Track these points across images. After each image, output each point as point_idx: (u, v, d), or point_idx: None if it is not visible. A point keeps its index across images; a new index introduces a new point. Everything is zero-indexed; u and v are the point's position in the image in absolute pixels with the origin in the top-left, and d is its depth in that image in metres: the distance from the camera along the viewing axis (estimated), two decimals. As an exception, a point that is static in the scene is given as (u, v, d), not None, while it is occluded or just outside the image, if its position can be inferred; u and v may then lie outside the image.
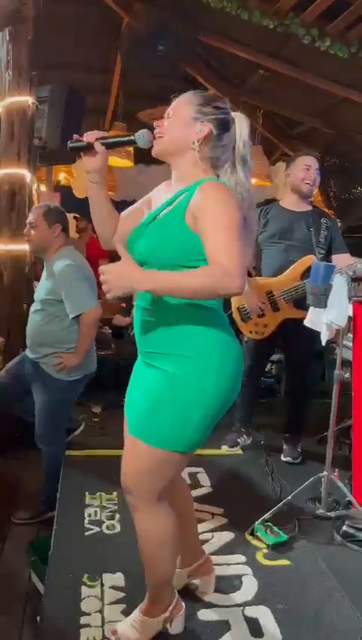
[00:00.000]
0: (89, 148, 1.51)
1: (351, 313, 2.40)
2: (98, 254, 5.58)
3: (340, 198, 4.85)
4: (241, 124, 1.54)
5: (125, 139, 1.56)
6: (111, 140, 1.53)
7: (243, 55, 3.91)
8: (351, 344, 2.53)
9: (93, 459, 2.98)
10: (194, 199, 1.39)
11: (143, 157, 5.87)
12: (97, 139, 1.50)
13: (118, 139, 1.57)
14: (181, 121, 1.47)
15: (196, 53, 4.02)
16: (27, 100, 3.38)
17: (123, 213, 1.65)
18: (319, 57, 3.45)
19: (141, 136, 1.48)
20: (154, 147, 1.49)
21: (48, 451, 2.73)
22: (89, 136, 1.50)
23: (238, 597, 1.85)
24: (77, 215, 6.06)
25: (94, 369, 2.78)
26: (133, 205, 1.67)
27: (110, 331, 4.72)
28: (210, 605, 1.81)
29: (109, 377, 4.08)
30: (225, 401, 1.49)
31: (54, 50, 4.14)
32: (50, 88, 3.68)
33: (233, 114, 1.54)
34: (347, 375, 2.44)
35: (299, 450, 3.10)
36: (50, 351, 2.62)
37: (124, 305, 4.76)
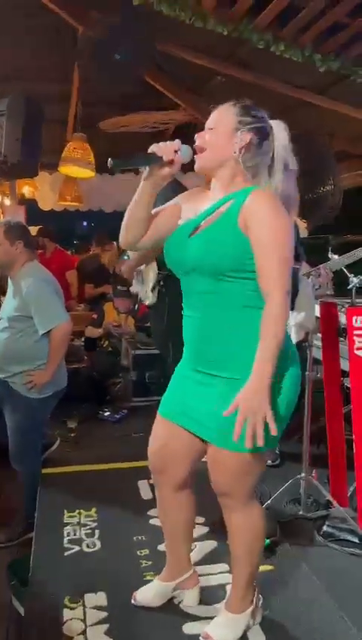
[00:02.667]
0: (168, 163, 1.50)
1: (318, 314, 2.42)
2: (64, 266, 5.54)
3: (304, 199, 4.90)
4: (279, 131, 1.55)
5: (166, 158, 1.52)
6: (154, 159, 1.50)
7: (198, 61, 3.92)
8: (320, 343, 2.55)
9: (71, 475, 2.94)
10: (246, 207, 1.43)
11: (107, 167, 5.83)
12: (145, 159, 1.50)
13: (154, 157, 1.52)
14: (223, 134, 1.50)
15: (153, 60, 4.01)
16: (-16, 114, 3.32)
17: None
18: (274, 61, 3.48)
19: (185, 152, 1.50)
20: (197, 162, 1.52)
21: (24, 471, 2.67)
22: (167, 153, 1.48)
23: (223, 607, 1.83)
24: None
25: (65, 384, 2.74)
26: (160, 210, 1.63)
27: (82, 343, 4.67)
28: (195, 618, 1.79)
29: (83, 390, 4.03)
30: (297, 393, 1.56)
31: (10, 62, 4.08)
32: (7, 101, 3.62)
33: (271, 121, 1.56)
34: (319, 375, 2.46)
35: (277, 452, 3.10)
36: (19, 369, 2.57)
37: (95, 316, 4.72)
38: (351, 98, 4.16)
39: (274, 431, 1.38)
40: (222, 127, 1.50)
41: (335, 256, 2.82)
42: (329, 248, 3.35)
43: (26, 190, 6.04)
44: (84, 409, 3.94)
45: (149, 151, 1.50)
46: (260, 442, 1.37)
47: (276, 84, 4.09)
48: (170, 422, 1.64)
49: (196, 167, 1.54)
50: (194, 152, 1.53)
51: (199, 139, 1.53)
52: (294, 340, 2.34)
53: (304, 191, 5.00)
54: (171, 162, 1.49)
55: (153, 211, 1.61)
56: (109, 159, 1.48)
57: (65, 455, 3.19)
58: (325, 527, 2.26)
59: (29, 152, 3.70)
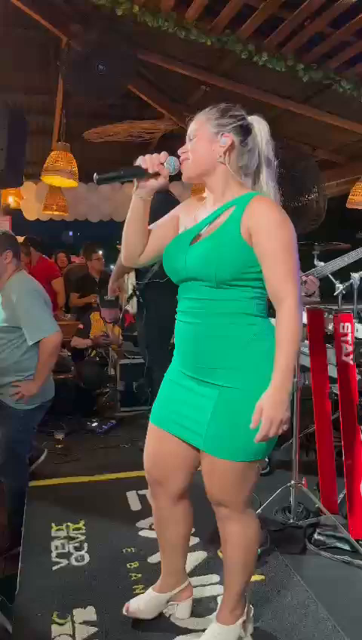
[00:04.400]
0: (154, 175, 1.50)
1: (305, 321, 2.42)
2: (49, 274, 5.51)
3: (288, 207, 4.93)
4: (260, 126, 1.54)
5: (152, 171, 1.52)
6: (141, 172, 1.50)
7: (182, 72, 3.96)
8: (307, 350, 2.56)
9: (58, 487, 2.89)
10: (248, 216, 1.41)
11: (92, 175, 5.84)
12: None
13: (140, 169, 1.52)
14: (203, 140, 1.49)
15: (137, 71, 4.04)
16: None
17: (152, 232, 1.64)
18: (258, 71, 3.53)
19: (171, 164, 1.50)
20: (184, 172, 1.52)
21: (10, 484, 2.63)
22: (152, 165, 1.48)
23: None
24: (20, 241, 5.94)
25: (52, 395, 2.71)
26: (160, 222, 1.66)
27: (69, 354, 4.63)
28: (186, 631, 1.76)
29: (70, 401, 3.99)
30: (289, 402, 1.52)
31: (-6, 74, 4.09)
32: (-10, 112, 3.60)
33: (250, 118, 1.55)
34: (306, 382, 2.46)
35: (266, 460, 3.09)
36: (7, 380, 2.54)
37: (81, 326, 4.69)
38: (333, 107, 4.21)
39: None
40: (202, 134, 1.49)
41: (321, 263, 2.84)
42: (315, 255, 3.37)
43: (12, 200, 6.02)
44: (72, 420, 3.90)
45: (135, 164, 1.49)
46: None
47: (259, 94, 4.13)
48: (163, 430, 1.62)
49: (183, 177, 1.53)
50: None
51: (182, 150, 1.52)
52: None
53: (288, 199, 5.05)
54: (158, 174, 1.49)
55: (150, 227, 1.63)
56: (95, 174, 1.47)
57: (53, 467, 3.14)
58: (316, 535, 2.25)
59: (13, 162, 3.69)
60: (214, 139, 1.48)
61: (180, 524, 1.75)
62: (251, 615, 1.74)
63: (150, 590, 1.82)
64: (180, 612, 1.80)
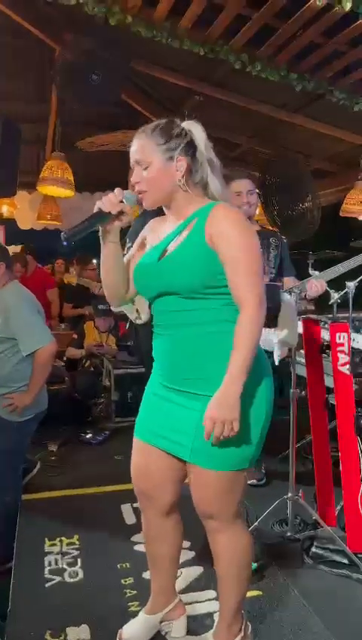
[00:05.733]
0: (118, 215, 1.49)
1: (301, 331, 2.41)
2: (45, 284, 5.49)
3: (283, 215, 4.95)
4: (197, 132, 1.52)
5: (115, 211, 1.50)
6: (104, 217, 1.48)
7: (175, 81, 3.96)
8: (304, 360, 2.54)
9: (52, 501, 2.85)
10: (211, 223, 1.43)
11: (88, 185, 5.84)
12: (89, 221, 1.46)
13: (103, 214, 1.49)
14: (158, 169, 1.47)
15: (130, 81, 4.04)
16: None
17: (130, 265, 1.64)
18: (251, 81, 3.53)
19: (130, 199, 1.48)
20: (144, 202, 1.50)
21: (3, 497, 2.58)
22: (112, 206, 1.46)
23: (211, 637, 1.77)
24: (15, 250, 5.91)
25: (46, 406, 2.67)
26: (132, 253, 1.67)
27: (63, 364, 4.59)
28: (182, 649, 1.72)
29: (64, 412, 3.95)
30: (271, 408, 1.54)
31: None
32: (-16, 122, 3.60)
33: (185, 126, 1.53)
34: (303, 393, 2.44)
35: (262, 471, 3.06)
36: (0, 392, 2.50)
37: (75, 336, 4.66)
38: (326, 117, 4.23)
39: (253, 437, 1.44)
40: (155, 162, 1.46)
41: (316, 272, 2.83)
42: (309, 264, 3.36)
43: (5, 209, 6.00)
44: (66, 431, 3.86)
45: (95, 210, 1.47)
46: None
47: (253, 103, 4.14)
48: (147, 444, 1.60)
49: (145, 206, 1.52)
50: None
51: (137, 182, 1.49)
52: (277, 357, 2.32)
53: (283, 208, 5.06)
54: (121, 213, 1.49)
55: (126, 257, 1.64)
56: (62, 234, 1.44)
57: (47, 480, 3.10)
58: (313, 549, 2.21)
59: (6, 171, 3.68)
60: (169, 165, 1.47)
61: (170, 539, 1.72)
62: (249, 632, 1.70)
63: (141, 613, 1.78)
64: (176, 631, 1.76)
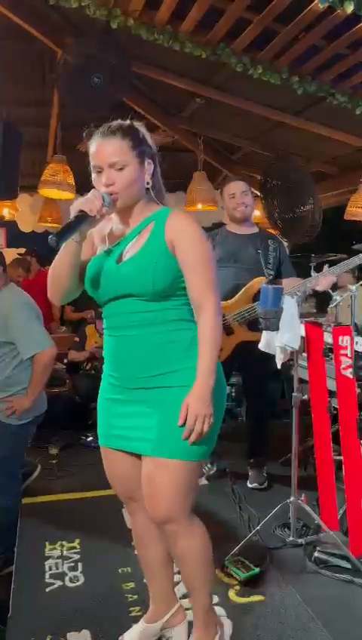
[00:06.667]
0: (100, 217, 1.45)
1: (303, 334, 2.39)
2: (46, 288, 5.46)
3: (284, 218, 4.94)
4: (148, 134, 1.56)
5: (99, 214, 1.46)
6: (88, 219, 1.44)
7: (177, 84, 3.96)
8: (306, 364, 2.52)
9: (52, 504, 2.84)
10: (170, 228, 1.48)
11: (88, 188, 5.83)
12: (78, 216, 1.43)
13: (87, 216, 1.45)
14: (132, 171, 1.47)
15: (131, 84, 4.04)
16: None
17: None
18: (252, 84, 3.53)
19: (107, 201, 1.44)
20: (117, 204, 1.48)
21: (2, 501, 2.56)
22: (95, 208, 1.41)
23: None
24: (20, 252, 5.92)
25: (45, 409, 2.66)
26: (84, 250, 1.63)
27: (64, 367, 4.58)
28: (184, 655, 1.71)
29: (65, 415, 3.94)
30: (224, 400, 1.61)
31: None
32: (-15, 125, 3.59)
33: (136, 126, 1.54)
34: (305, 397, 2.42)
35: (264, 474, 3.05)
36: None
37: (77, 339, 4.65)
38: (327, 119, 4.22)
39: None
40: (129, 165, 1.46)
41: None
42: (311, 267, 3.35)
43: (6, 212, 5.99)
44: (66, 435, 3.84)
45: (77, 212, 1.42)
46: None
47: (254, 106, 4.14)
48: (111, 449, 1.61)
49: (117, 207, 1.48)
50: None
51: (107, 181, 1.45)
52: (279, 360, 2.31)
53: (284, 211, 5.06)
54: (101, 215, 1.46)
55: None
56: (50, 238, 1.41)
57: (47, 483, 3.09)
58: (316, 554, 2.19)
59: (8, 174, 3.68)
60: (141, 168, 1.49)
61: (159, 542, 1.68)
62: (224, 630, 1.71)
63: (141, 621, 1.75)
64: (176, 637, 1.74)
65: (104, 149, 1.46)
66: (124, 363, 1.54)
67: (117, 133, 1.47)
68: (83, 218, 1.42)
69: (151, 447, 1.49)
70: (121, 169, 1.46)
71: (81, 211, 1.42)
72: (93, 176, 1.50)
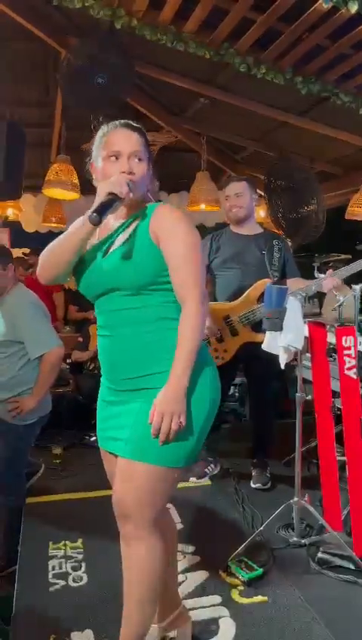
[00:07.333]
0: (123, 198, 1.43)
1: (307, 334, 2.39)
2: (51, 288, 5.48)
3: (288, 218, 4.93)
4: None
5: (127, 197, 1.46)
6: (118, 200, 1.43)
7: (180, 84, 3.96)
8: (310, 364, 2.52)
9: (56, 504, 2.84)
10: (156, 221, 1.46)
11: (93, 188, 5.83)
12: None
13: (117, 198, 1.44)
14: (146, 164, 1.52)
15: (135, 84, 4.04)
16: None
17: None
18: (256, 84, 3.52)
19: (131, 188, 1.44)
20: (132, 194, 1.45)
21: (6, 501, 2.57)
22: (125, 191, 1.41)
23: None
24: (25, 252, 5.93)
25: (50, 409, 2.66)
26: None
27: (67, 367, 4.58)
28: (187, 656, 1.71)
29: (68, 415, 3.95)
30: (214, 409, 1.52)
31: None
32: (-12, 125, 3.60)
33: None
34: (309, 397, 2.42)
35: (267, 475, 3.05)
36: (5, 395, 2.50)
37: (81, 339, 4.65)
38: (331, 119, 4.21)
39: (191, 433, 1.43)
40: (145, 158, 1.52)
41: (321, 275, 2.82)
42: (315, 267, 3.35)
43: (10, 212, 6.00)
44: (69, 434, 3.85)
45: (109, 194, 1.41)
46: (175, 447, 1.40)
47: (257, 106, 4.13)
48: (106, 451, 1.61)
49: (131, 197, 1.46)
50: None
51: (132, 173, 1.48)
52: (282, 361, 2.30)
53: (287, 211, 5.05)
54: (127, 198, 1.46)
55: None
56: (91, 215, 1.40)
57: (50, 483, 3.09)
58: (319, 554, 2.19)
59: (11, 174, 3.68)
60: (149, 164, 1.54)
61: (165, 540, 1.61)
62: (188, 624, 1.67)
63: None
64: (181, 637, 1.74)
65: (129, 137, 1.50)
66: (113, 364, 1.54)
67: (136, 129, 1.53)
68: (113, 200, 1.41)
69: (122, 448, 1.47)
70: (140, 160, 1.50)
71: (112, 193, 1.41)
72: (103, 163, 1.51)
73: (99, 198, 1.43)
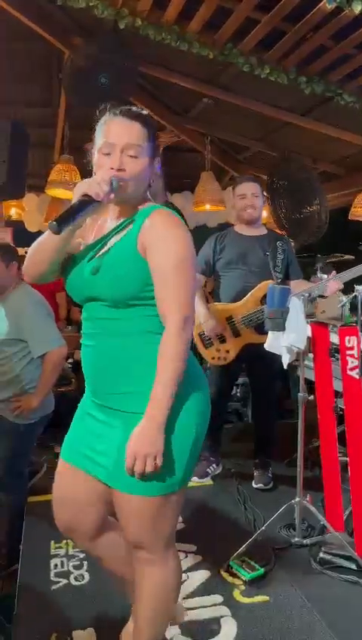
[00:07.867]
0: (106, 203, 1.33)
1: (309, 334, 2.39)
2: (55, 288, 5.49)
3: (291, 218, 4.93)
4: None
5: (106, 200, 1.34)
6: (93, 204, 1.30)
7: (184, 84, 3.96)
8: (312, 364, 2.52)
9: (58, 503, 2.84)
10: (145, 231, 1.33)
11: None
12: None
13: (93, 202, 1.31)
14: (144, 164, 1.37)
15: (138, 84, 4.04)
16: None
17: None
18: (259, 84, 3.52)
19: (113, 185, 1.31)
20: (121, 193, 1.34)
21: (9, 500, 2.58)
22: (102, 192, 1.28)
23: None
24: (27, 251, 5.92)
25: (52, 408, 2.67)
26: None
27: (70, 366, 4.59)
28: (188, 655, 1.71)
29: (71, 414, 3.94)
30: (205, 423, 1.43)
31: (-4, 87, 4.10)
32: (-7, 125, 3.61)
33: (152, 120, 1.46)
34: (311, 397, 2.42)
35: (269, 475, 3.05)
36: (7, 394, 2.50)
37: (82, 338, 4.65)
38: (334, 120, 4.21)
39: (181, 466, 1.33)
40: (142, 156, 1.36)
41: (324, 276, 2.82)
42: (318, 267, 3.35)
43: (13, 212, 6.02)
44: (72, 433, 3.85)
45: (81, 197, 1.29)
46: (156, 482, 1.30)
47: (261, 107, 4.13)
48: (72, 466, 1.47)
49: (117, 198, 1.35)
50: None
51: (121, 169, 1.33)
52: (285, 361, 2.31)
53: (290, 211, 5.04)
54: (108, 201, 1.35)
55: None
56: (50, 223, 1.25)
57: (52, 482, 3.08)
58: (321, 554, 2.19)
59: (14, 174, 3.69)
60: (151, 163, 1.39)
61: (119, 548, 1.54)
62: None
63: (130, 622, 1.66)
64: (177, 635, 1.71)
65: (125, 128, 1.34)
66: (90, 374, 1.44)
67: (138, 119, 1.37)
68: (87, 203, 1.28)
69: (108, 477, 1.38)
70: (134, 157, 1.34)
71: (86, 195, 1.27)
72: (97, 157, 1.37)
73: (74, 199, 1.30)
